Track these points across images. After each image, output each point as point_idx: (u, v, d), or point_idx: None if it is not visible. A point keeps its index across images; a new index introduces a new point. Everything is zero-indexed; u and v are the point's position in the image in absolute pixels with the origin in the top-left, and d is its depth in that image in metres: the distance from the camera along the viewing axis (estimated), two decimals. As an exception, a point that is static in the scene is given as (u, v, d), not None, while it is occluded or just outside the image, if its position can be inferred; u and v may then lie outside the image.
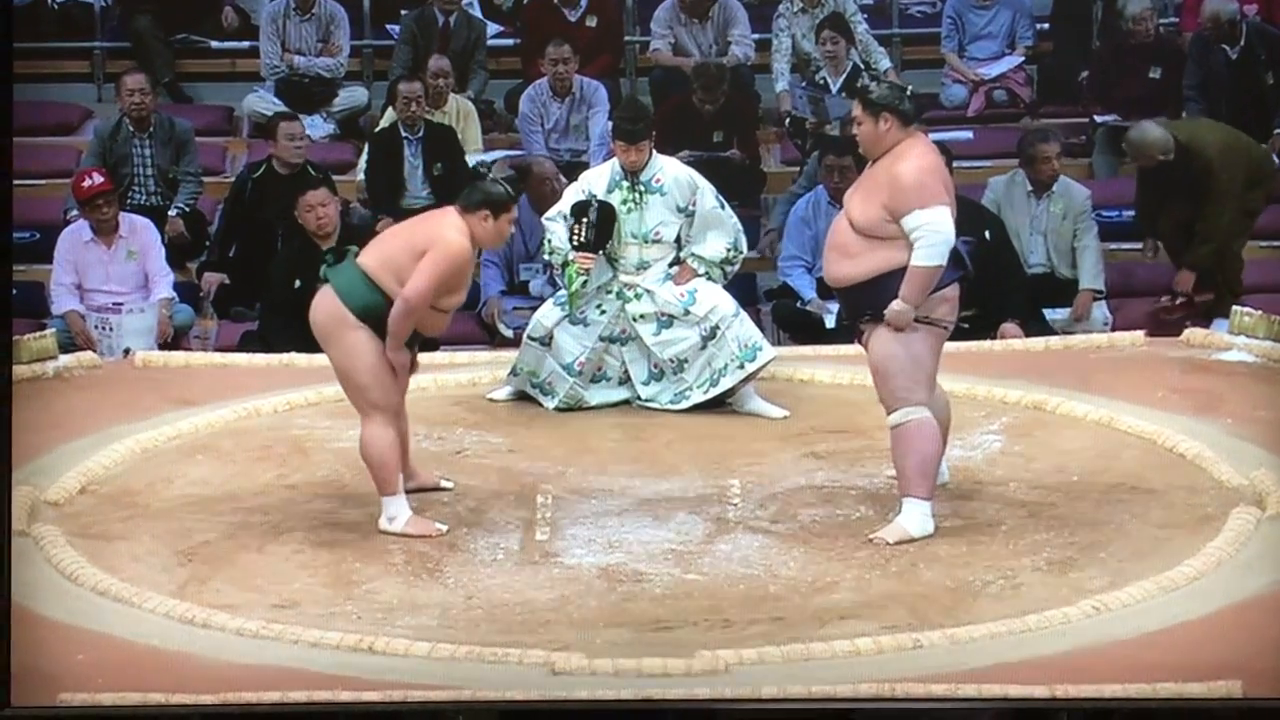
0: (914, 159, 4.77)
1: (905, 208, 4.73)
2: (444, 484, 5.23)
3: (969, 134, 7.87)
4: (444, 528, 5.02)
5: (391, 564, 4.87)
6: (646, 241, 5.77)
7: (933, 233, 4.72)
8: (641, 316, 5.78)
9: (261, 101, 7.92)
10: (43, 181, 7.47)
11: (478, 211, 4.96)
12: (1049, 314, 6.76)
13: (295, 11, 8.00)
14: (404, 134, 7.39)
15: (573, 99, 7.70)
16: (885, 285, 4.78)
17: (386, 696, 4.35)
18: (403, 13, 8.17)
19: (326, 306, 4.94)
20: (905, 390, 4.84)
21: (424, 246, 4.89)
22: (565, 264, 5.74)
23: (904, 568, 4.80)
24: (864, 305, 4.84)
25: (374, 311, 4.90)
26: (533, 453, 5.46)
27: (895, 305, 4.76)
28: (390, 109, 7.55)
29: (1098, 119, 7.73)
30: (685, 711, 4.37)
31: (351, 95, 8.03)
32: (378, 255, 4.94)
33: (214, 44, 8.28)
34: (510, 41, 8.28)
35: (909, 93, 4.86)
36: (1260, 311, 6.04)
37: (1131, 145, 6.80)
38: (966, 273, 4.86)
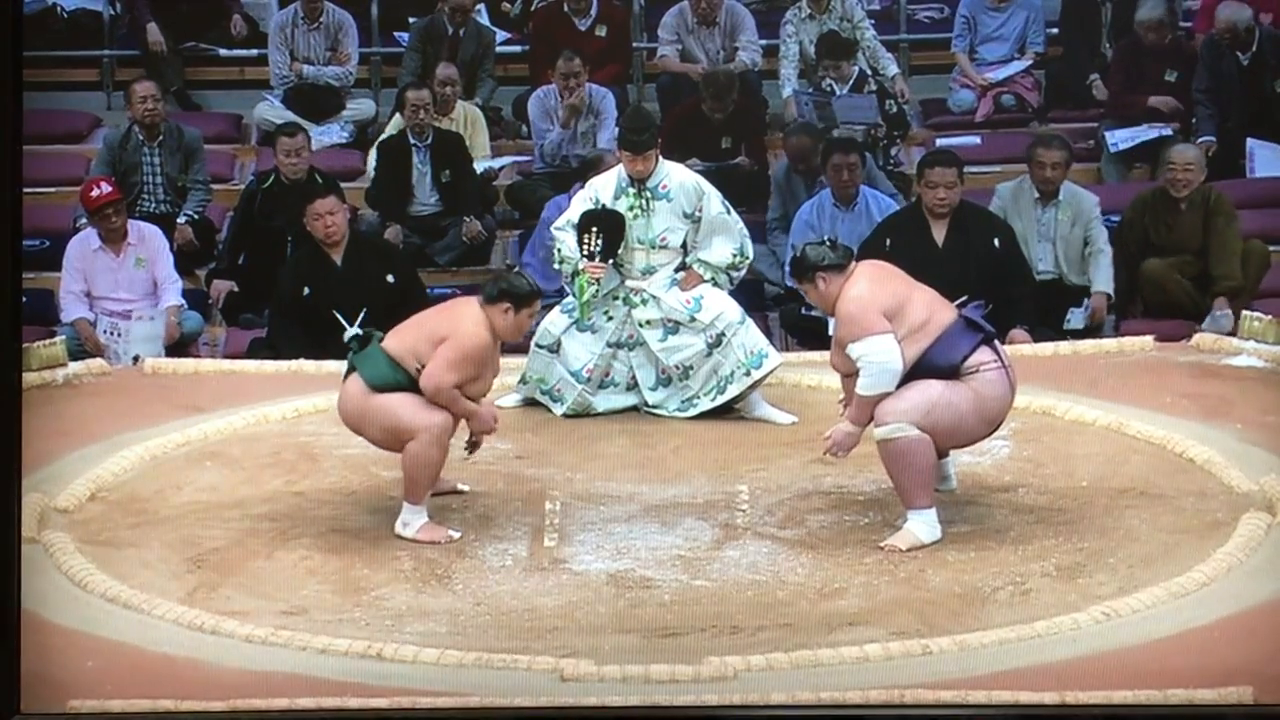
0: (846, 295, 5.01)
1: (848, 339, 4.98)
2: (460, 487, 5.24)
3: (977, 139, 7.86)
4: (456, 534, 5.02)
5: (400, 570, 4.87)
6: (653, 247, 5.78)
7: (869, 364, 4.93)
8: (647, 322, 5.78)
9: (272, 110, 7.93)
10: (52, 189, 7.48)
11: (499, 304, 5.02)
12: (1073, 315, 6.74)
13: (303, 20, 8.02)
14: (412, 141, 7.40)
15: (583, 103, 7.70)
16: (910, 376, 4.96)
17: (395, 703, 4.35)
18: (411, 21, 8.18)
19: (352, 393, 5.00)
20: (916, 410, 4.87)
21: (444, 335, 4.97)
22: (575, 273, 5.74)
23: (912, 573, 4.79)
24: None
25: (398, 389, 4.98)
26: (540, 459, 5.46)
27: (843, 427, 4.99)
28: (398, 116, 7.56)
29: (1163, 130, 7.66)
30: (693, 718, 4.37)
31: (359, 107, 8.05)
32: (402, 341, 5.01)
33: (222, 52, 8.30)
34: (518, 48, 8.29)
35: (828, 242, 5.12)
36: (1270, 316, 6.02)
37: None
38: (986, 334, 4.99)
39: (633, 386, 5.81)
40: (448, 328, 5.00)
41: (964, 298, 5.37)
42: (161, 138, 7.32)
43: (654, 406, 5.79)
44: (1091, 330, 6.72)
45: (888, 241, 6.36)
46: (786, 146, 7.24)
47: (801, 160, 7.06)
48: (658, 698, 4.37)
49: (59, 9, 8.28)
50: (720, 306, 5.77)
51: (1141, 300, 6.86)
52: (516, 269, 5.91)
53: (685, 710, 4.34)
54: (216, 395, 5.83)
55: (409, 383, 4.97)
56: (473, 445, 5.10)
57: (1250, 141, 7.53)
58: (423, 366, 4.96)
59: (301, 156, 7.02)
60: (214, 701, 4.36)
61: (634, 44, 8.30)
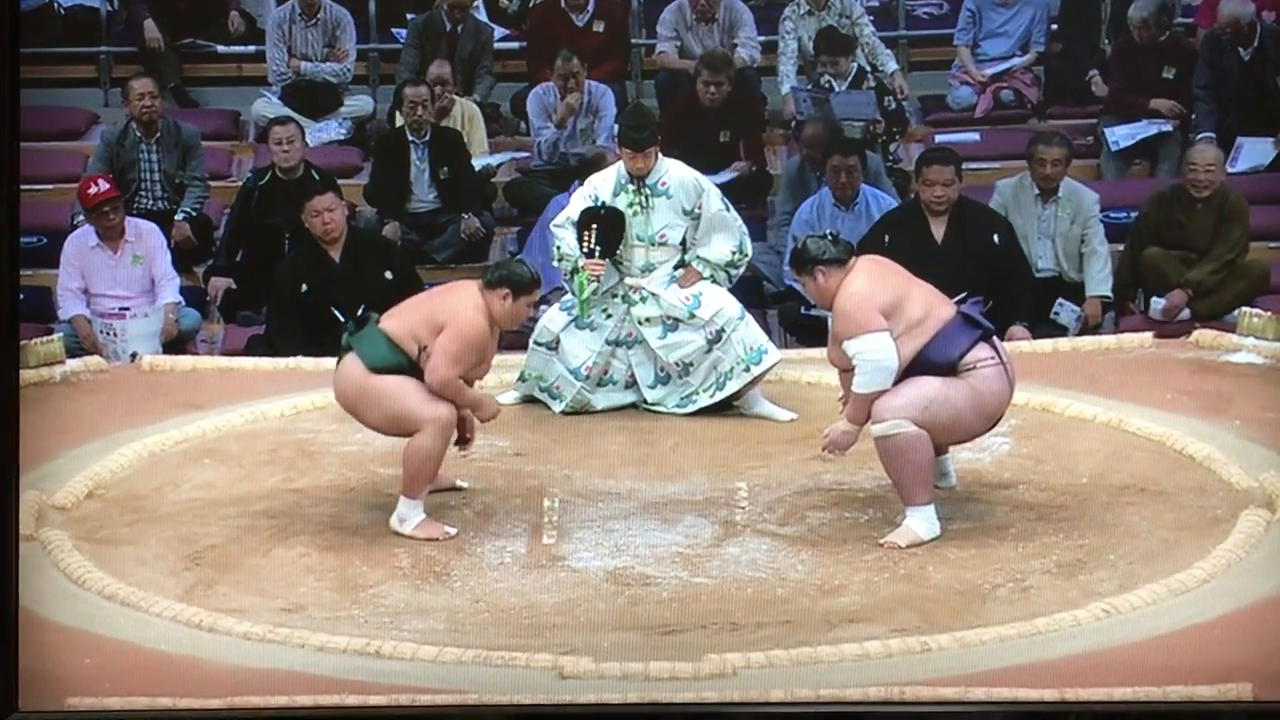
0: (844, 291, 5.01)
1: (844, 336, 5.00)
2: (459, 484, 5.24)
3: (976, 135, 7.86)
4: (453, 531, 5.02)
5: (398, 568, 4.87)
6: (652, 244, 5.77)
7: (864, 361, 4.93)
8: (647, 320, 5.78)
9: (269, 107, 7.92)
10: (49, 186, 7.48)
11: (498, 289, 5.01)
12: (1061, 308, 6.72)
13: (301, 17, 8.01)
14: (410, 138, 7.40)
15: (580, 103, 7.69)
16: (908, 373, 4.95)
17: (393, 700, 4.35)
18: (409, 17, 8.18)
19: (350, 373, 4.98)
20: (913, 406, 4.87)
21: (442, 321, 4.95)
22: (575, 271, 5.74)
23: (912, 570, 4.79)
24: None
25: (398, 370, 4.96)
26: (539, 456, 5.46)
27: (840, 425, 5.00)
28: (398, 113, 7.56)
29: (1163, 127, 7.65)
30: (693, 715, 4.37)
31: (356, 104, 8.04)
32: (400, 323, 5.00)
33: (220, 49, 8.29)
34: (516, 45, 8.28)
35: (829, 236, 5.12)
36: (1269, 313, 6.02)
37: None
38: (984, 330, 4.98)
39: (631, 384, 5.80)
40: (446, 314, 4.97)
41: (963, 294, 5.37)
42: (159, 134, 7.31)
43: (653, 404, 5.78)
44: (1087, 331, 6.72)
45: (886, 238, 6.36)
46: (801, 137, 7.25)
47: (817, 150, 7.06)
48: (657, 695, 4.37)
49: (56, 5, 8.27)
50: (719, 303, 5.76)
51: (1144, 289, 6.86)
52: (518, 257, 5.90)
53: (685, 707, 4.34)
54: (214, 392, 5.83)
55: (409, 364, 4.95)
56: (463, 442, 5.09)
57: (1240, 139, 7.53)
58: (422, 348, 4.94)
59: (294, 145, 7.00)
60: (212, 699, 4.36)
61: (632, 40, 8.30)
